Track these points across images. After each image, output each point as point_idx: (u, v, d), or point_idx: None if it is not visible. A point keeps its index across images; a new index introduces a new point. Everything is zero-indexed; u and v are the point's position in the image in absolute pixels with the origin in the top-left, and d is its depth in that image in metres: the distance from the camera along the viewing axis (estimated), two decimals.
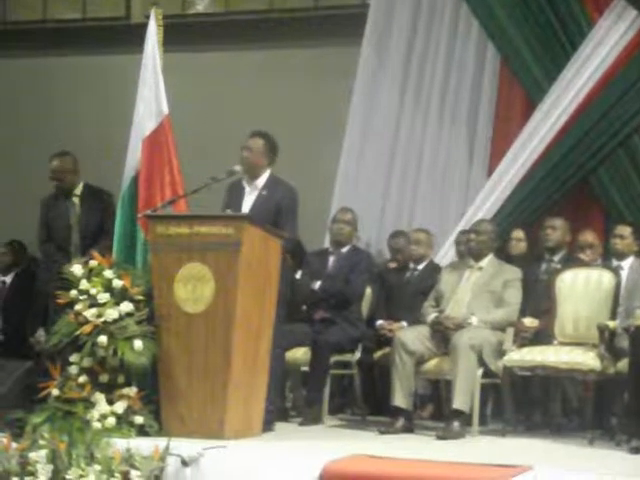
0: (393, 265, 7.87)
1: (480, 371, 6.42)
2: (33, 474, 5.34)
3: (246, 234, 5.91)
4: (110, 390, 6.00)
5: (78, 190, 7.32)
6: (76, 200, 7.30)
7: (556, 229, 7.33)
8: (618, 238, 7.22)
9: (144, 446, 5.43)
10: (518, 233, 7.76)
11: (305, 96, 9.41)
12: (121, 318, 5.99)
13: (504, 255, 7.27)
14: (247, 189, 6.50)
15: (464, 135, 8.56)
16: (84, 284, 6.09)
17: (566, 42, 8.21)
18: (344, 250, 7.39)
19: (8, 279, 9.10)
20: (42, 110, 10.15)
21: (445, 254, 8.08)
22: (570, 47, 8.17)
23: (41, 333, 7.84)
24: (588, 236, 7.38)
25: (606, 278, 6.67)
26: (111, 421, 5.86)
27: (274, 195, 6.40)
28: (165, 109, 6.81)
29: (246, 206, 6.43)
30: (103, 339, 5.92)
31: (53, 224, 7.25)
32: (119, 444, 5.49)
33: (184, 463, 5.36)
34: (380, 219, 8.71)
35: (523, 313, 6.72)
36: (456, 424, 6.30)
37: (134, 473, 5.23)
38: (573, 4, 8.17)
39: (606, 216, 8.08)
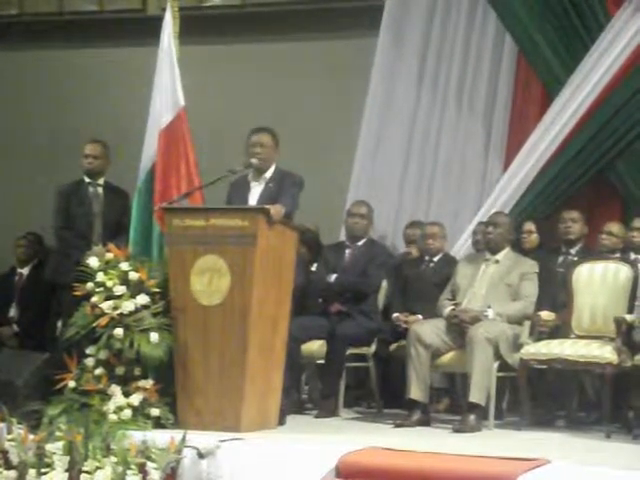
0: (414, 252, 7.80)
1: (496, 364, 6.41)
2: (50, 465, 5.35)
3: (262, 227, 5.91)
4: (126, 382, 6.01)
5: (102, 180, 7.39)
6: (100, 190, 7.37)
7: (576, 221, 7.30)
8: (636, 231, 7.23)
9: (160, 438, 5.44)
10: (529, 225, 7.73)
11: (321, 89, 9.39)
12: (137, 310, 6.01)
13: (517, 248, 7.24)
14: (253, 183, 6.48)
15: (481, 127, 8.53)
16: (100, 276, 6.10)
17: (584, 34, 8.16)
18: (360, 243, 7.38)
19: (25, 271, 9.13)
20: (57, 103, 10.16)
21: (462, 247, 8.07)
22: (588, 39, 8.12)
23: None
24: (613, 227, 7.33)
25: (623, 271, 6.64)
26: (127, 413, 5.88)
27: (281, 186, 6.38)
28: (181, 101, 6.81)
29: (253, 199, 6.41)
30: (119, 331, 5.94)
31: (75, 211, 7.29)
32: (135, 436, 5.51)
33: (200, 455, 5.37)
34: (396, 212, 8.69)
35: (540, 306, 6.70)
36: (472, 417, 6.29)
37: (150, 465, 5.24)
38: None
39: (624, 209, 8.04)
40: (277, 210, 5.99)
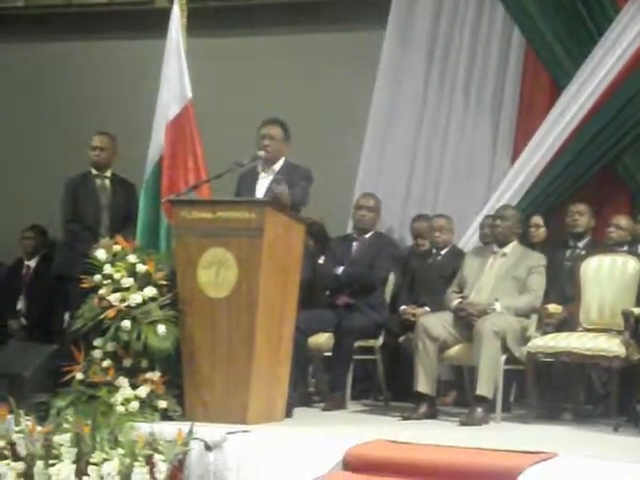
0: (423, 245, 7.79)
1: (504, 357, 6.40)
2: (57, 457, 5.37)
3: (269, 219, 5.91)
4: (134, 374, 6.02)
5: (109, 173, 7.40)
6: (107, 182, 7.38)
7: (583, 214, 7.31)
8: None
9: (167, 430, 5.45)
10: (537, 219, 7.72)
11: (329, 82, 9.37)
12: (145, 303, 6.01)
13: (525, 242, 7.24)
14: (262, 174, 6.48)
15: (488, 120, 8.52)
16: (108, 269, 6.11)
17: (592, 27, 8.14)
18: (367, 236, 7.38)
19: (32, 264, 9.14)
20: (66, 95, 10.16)
21: (469, 240, 8.06)
22: (596, 32, 8.10)
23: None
24: (621, 220, 7.32)
25: (631, 264, 6.63)
26: (135, 405, 5.88)
27: (290, 179, 6.38)
28: (189, 94, 6.83)
29: (260, 191, 6.42)
30: (127, 323, 5.94)
31: (82, 204, 7.31)
32: (143, 428, 5.52)
33: (207, 448, 5.38)
34: (403, 205, 8.68)
35: (547, 299, 6.69)
36: (479, 410, 6.28)
37: (157, 457, 5.25)
38: None
39: (632, 202, 8.02)
40: (284, 194, 6.00)
